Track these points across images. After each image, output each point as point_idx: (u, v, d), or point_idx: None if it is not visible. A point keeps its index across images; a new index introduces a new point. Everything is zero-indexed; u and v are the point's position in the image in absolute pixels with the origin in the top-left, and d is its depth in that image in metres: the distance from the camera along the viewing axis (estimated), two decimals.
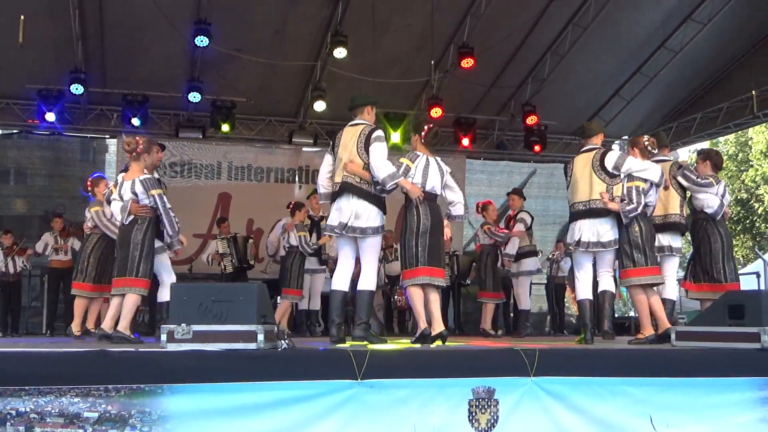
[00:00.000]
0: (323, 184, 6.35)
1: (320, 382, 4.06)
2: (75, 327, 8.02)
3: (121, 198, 6.53)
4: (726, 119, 14.06)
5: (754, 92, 12.96)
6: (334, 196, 6.19)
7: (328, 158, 6.36)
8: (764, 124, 21.89)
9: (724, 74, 14.16)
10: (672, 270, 7.35)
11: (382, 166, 6.00)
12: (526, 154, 15.42)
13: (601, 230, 6.54)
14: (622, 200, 6.49)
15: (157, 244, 6.70)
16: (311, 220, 10.53)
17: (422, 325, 6.09)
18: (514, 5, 12.07)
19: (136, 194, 6.46)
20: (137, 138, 6.65)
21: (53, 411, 3.66)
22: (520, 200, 10.76)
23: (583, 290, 6.75)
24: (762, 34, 13.10)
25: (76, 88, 12.16)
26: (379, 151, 6.05)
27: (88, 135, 14.26)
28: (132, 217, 6.44)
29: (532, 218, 10.70)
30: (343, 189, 6.09)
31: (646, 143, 6.82)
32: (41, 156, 13.75)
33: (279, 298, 9.85)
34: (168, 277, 6.92)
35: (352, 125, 6.25)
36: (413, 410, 4.15)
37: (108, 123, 13.93)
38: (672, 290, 7.36)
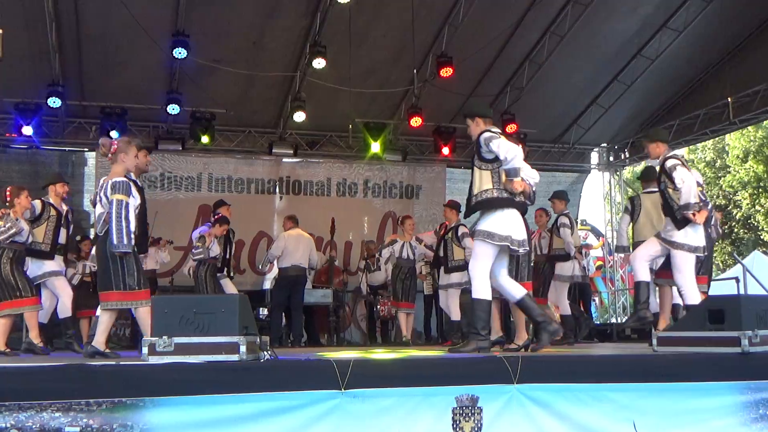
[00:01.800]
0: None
1: (304, 392, 4.04)
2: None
3: (101, 201, 6.13)
4: (703, 126, 14.20)
5: (730, 99, 13.10)
6: (506, 205, 5.97)
7: None
8: (741, 130, 22.12)
9: (700, 81, 14.30)
10: None
11: None
12: None
13: None
14: None
15: None
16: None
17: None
18: (492, 15, 12.14)
19: (107, 197, 5.97)
20: (112, 140, 6.28)
21: (34, 426, 3.61)
22: (454, 212, 10.58)
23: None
24: (737, 41, 13.25)
25: (54, 101, 12.11)
26: None
27: (67, 148, 14.15)
28: (107, 226, 5.96)
29: None
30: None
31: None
32: (19, 170, 13.61)
33: None
34: None
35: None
36: (397, 419, 4.15)
37: (86, 136, 13.84)
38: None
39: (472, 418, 4.22)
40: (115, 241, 5.80)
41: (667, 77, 14.13)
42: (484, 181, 5.96)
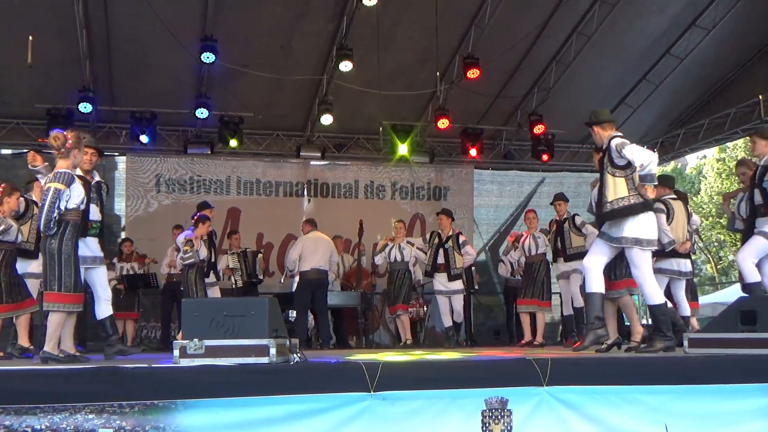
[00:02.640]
0: None
1: (333, 395, 4.06)
2: None
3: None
4: (733, 125, 14.04)
5: (761, 97, 12.94)
6: (645, 209, 6.10)
7: None
8: None
9: (730, 80, 14.15)
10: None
11: None
12: (534, 164, 15.43)
13: None
14: None
15: (90, 254, 6.30)
16: (207, 235, 10.08)
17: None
18: (518, 15, 12.11)
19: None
20: (66, 133, 5.98)
21: (68, 428, 3.67)
22: (449, 220, 10.93)
23: None
24: (767, 39, 13.09)
25: (85, 107, 12.26)
26: None
27: None
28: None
29: None
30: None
31: None
32: None
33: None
34: (102, 293, 6.49)
35: None
36: (426, 422, 4.15)
37: (117, 140, 14.00)
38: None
39: (502, 421, 4.21)
40: (42, 227, 5.71)
41: (696, 76, 13.99)
42: (619, 189, 6.03)
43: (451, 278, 10.58)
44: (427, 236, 11.19)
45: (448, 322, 10.81)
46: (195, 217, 10.01)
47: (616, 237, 6.07)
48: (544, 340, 10.42)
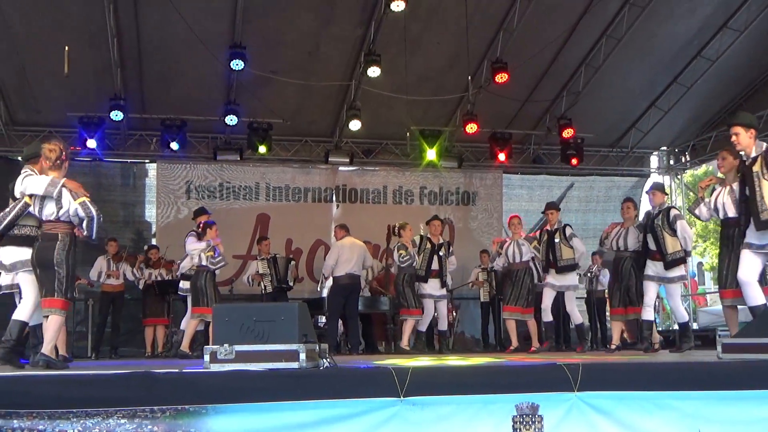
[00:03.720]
0: None
1: (363, 400, 4.05)
2: None
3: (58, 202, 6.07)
4: (766, 127, 13.84)
5: None
6: None
7: None
8: None
9: (763, 82, 13.98)
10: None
11: None
12: (563, 168, 15.35)
13: None
14: None
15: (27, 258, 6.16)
16: None
17: None
18: (547, 19, 12.06)
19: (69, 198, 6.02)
20: (58, 144, 6.09)
21: None
22: (442, 226, 11.16)
23: None
24: None
25: (116, 115, 12.41)
26: None
27: (128, 160, 14.50)
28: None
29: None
30: None
31: None
32: (83, 182, 13.49)
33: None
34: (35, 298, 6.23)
35: None
36: (456, 427, 4.12)
37: (147, 148, 14.15)
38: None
39: (533, 426, 4.18)
40: (94, 235, 6.01)
41: (728, 78, 13.84)
42: None
43: (443, 284, 10.77)
44: (416, 239, 10.98)
45: (424, 326, 10.84)
46: (201, 225, 9.99)
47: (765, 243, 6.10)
48: (539, 346, 10.40)
